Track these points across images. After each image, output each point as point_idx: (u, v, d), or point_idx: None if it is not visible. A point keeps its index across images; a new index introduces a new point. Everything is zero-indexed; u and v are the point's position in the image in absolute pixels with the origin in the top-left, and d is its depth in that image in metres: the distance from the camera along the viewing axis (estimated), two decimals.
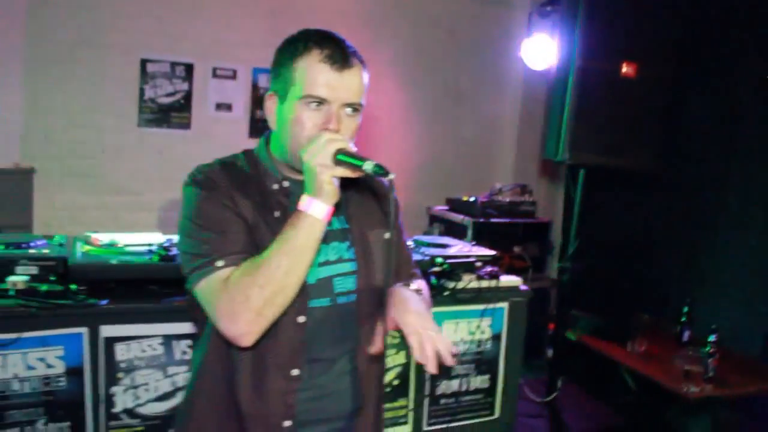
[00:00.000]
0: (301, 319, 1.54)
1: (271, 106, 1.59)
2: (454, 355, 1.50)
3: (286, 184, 1.59)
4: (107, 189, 4.63)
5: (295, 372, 1.55)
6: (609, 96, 3.33)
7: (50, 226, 4.28)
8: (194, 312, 1.60)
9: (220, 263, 1.45)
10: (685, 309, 3.86)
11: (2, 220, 4.07)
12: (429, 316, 1.54)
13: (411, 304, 1.57)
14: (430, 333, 1.47)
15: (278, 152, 1.59)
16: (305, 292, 1.53)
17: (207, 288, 1.46)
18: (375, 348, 1.60)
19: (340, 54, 1.48)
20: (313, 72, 1.48)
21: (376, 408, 1.77)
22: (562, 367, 3.67)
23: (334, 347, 1.59)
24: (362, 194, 1.72)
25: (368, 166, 1.39)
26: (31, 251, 2.45)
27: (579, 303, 4.05)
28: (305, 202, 1.43)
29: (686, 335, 3.85)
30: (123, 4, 4.54)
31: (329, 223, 1.51)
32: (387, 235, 1.71)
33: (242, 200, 1.53)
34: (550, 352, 3.65)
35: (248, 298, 1.40)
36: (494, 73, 5.81)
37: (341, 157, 1.40)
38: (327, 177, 1.41)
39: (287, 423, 1.55)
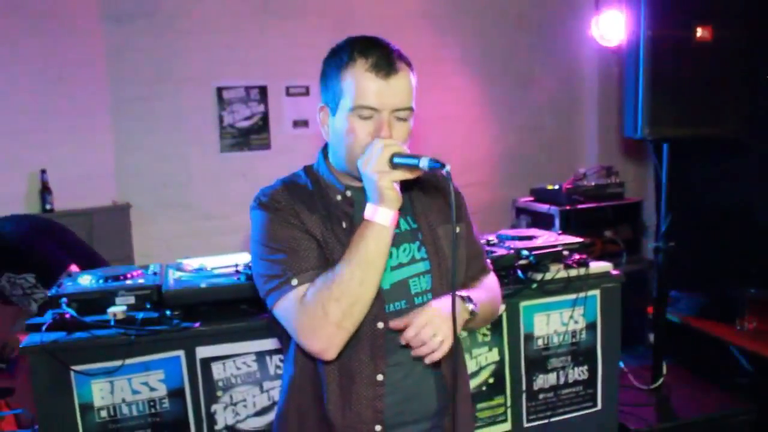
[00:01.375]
0: (380, 325, 1.56)
1: (324, 118, 1.61)
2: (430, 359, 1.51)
3: (348, 193, 1.61)
4: (198, 216, 4.82)
5: (380, 377, 1.57)
6: (684, 64, 3.17)
7: (149, 256, 4.50)
8: (277, 330, 1.64)
9: (294, 282, 1.49)
10: None
11: (106, 254, 4.29)
12: (442, 316, 1.51)
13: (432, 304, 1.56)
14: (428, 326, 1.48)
15: (336, 163, 1.62)
16: (381, 297, 1.55)
17: (285, 307, 1.50)
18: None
19: (384, 61, 1.49)
20: (361, 82, 1.49)
21: (466, 405, 1.77)
22: (667, 352, 3.52)
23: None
24: (427, 192, 1.73)
25: (424, 163, 1.39)
26: (128, 282, 2.58)
27: (679, 283, 3.88)
28: (370, 211, 1.45)
29: None
30: (194, 37, 4.74)
31: (397, 226, 1.52)
32: (457, 229, 1.71)
33: (308, 216, 1.56)
34: (651, 337, 3.49)
35: (326, 313, 1.43)
36: (567, 57, 5.67)
37: (398, 160, 1.41)
38: (387, 182, 1.42)
39: (378, 428, 1.58)
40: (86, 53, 4.49)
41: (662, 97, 3.17)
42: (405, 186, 1.51)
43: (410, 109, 1.54)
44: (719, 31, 3.18)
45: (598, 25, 5.14)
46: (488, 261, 1.91)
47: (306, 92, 5.04)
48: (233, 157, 4.91)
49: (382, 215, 1.43)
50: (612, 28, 4.99)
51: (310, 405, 1.63)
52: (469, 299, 1.62)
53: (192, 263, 2.76)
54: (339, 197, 1.61)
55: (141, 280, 2.60)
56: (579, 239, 3.11)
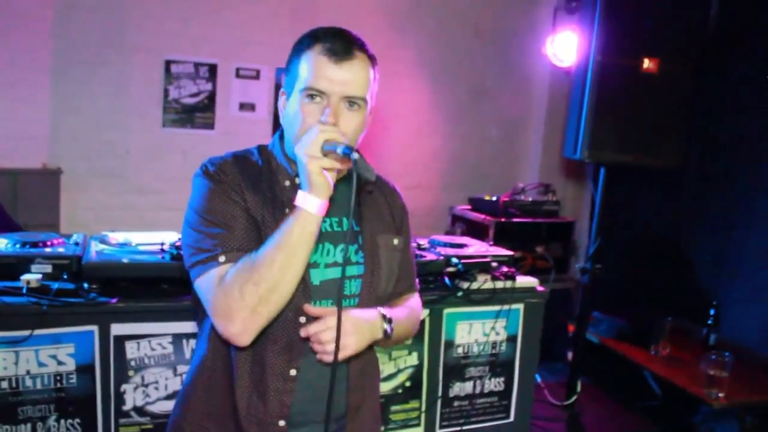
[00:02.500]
0: (303, 319, 1.53)
1: (282, 103, 1.59)
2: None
3: (297, 180, 1.57)
4: (132, 189, 4.69)
5: (293, 372, 1.54)
6: (629, 92, 3.26)
7: (76, 225, 4.35)
8: (197, 306, 1.60)
9: (222, 258, 1.45)
10: (712, 311, 3.77)
11: (30, 219, 4.15)
12: (355, 326, 1.51)
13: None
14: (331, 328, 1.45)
15: (288, 148, 1.58)
16: (308, 292, 1.52)
17: (205, 284, 1.46)
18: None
19: (341, 47, 1.47)
20: (313, 65, 1.47)
21: (372, 411, 1.76)
22: (583, 370, 3.61)
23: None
24: (375, 198, 1.72)
25: (340, 149, 1.36)
26: (47, 250, 2.49)
27: (602, 304, 3.98)
28: (300, 197, 1.42)
29: (712, 339, 3.76)
30: (147, 6, 4.59)
31: (339, 224, 1.51)
32: (396, 241, 1.70)
33: (252, 195, 1.52)
34: (570, 355, 3.58)
35: (243, 296, 1.39)
36: (519, 71, 5.74)
37: (327, 147, 1.38)
38: (315, 167, 1.39)
39: (282, 423, 1.55)
40: (33, 6, 4.31)
41: (604, 122, 3.24)
42: (358, 191, 1.47)
43: (363, 99, 1.51)
44: (665, 65, 3.28)
45: (552, 44, 5.22)
46: (417, 281, 1.89)
47: (256, 76, 4.95)
48: (175, 133, 4.79)
49: (309, 202, 1.40)
50: (565, 49, 5.08)
51: (218, 386, 1.59)
52: (388, 320, 1.60)
53: (117, 237, 2.69)
54: (287, 183, 1.58)
55: (61, 249, 2.51)
56: (509, 252, 3.15)
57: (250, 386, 1.55)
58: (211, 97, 4.86)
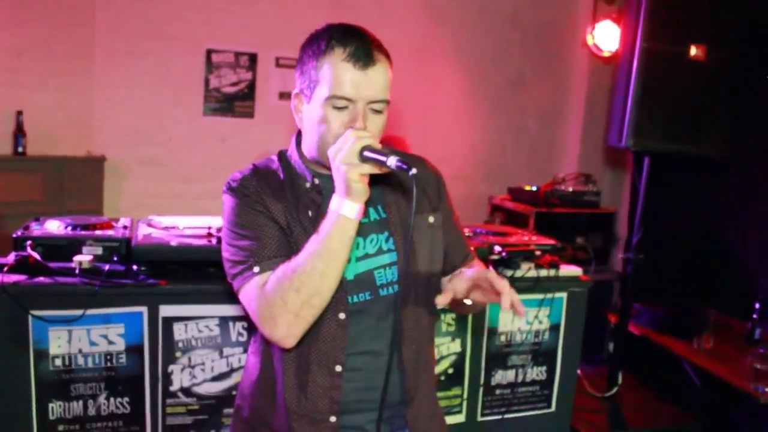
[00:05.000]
0: (342, 315, 1.55)
1: (297, 104, 1.59)
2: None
3: (317, 181, 1.60)
4: (173, 176, 4.76)
5: (338, 368, 1.56)
6: (675, 80, 3.20)
7: (118, 212, 4.43)
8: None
9: (256, 269, 1.49)
10: (757, 305, 3.70)
11: (75, 204, 4.25)
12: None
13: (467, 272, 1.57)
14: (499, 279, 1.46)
15: (308, 151, 1.60)
16: (343, 288, 1.54)
17: (247, 294, 1.50)
18: (440, 300, 1.54)
19: (363, 51, 1.47)
20: (338, 71, 1.46)
21: (429, 398, 1.75)
22: (624, 362, 3.57)
23: (379, 339, 1.59)
24: (401, 181, 1.68)
25: (392, 161, 1.35)
26: (97, 233, 2.53)
27: (643, 296, 3.92)
28: (336, 203, 1.42)
29: (757, 333, 3.69)
30: None
31: (365, 215, 1.52)
32: (431, 219, 1.69)
33: (275, 204, 1.55)
34: (611, 346, 3.54)
35: (285, 303, 1.42)
36: (559, 61, 5.69)
37: (367, 154, 1.38)
38: (355, 175, 1.38)
39: (333, 419, 1.58)
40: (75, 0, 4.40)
41: (649, 110, 3.19)
42: (378, 175, 1.48)
43: (386, 101, 1.51)
44: (712, 52, 3.22)
45: (592, 34, 5.16)
46: (471, 249, 1.88)
47: (295, 65, 4.97)
48: (215, 121, 4.85)
49: (347, 208, 1.40)
50: (606, 39, 5.02)
51: (268, 386, 1.64)
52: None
53: (164, 221, 2.73)
54: (308, 185, 1.60)
55: (110, 232, 2.56)
56: (552, 241, 3.13)
57: (297, 385, 1.58)
58: (251, 86, 4.91)
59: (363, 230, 1.56)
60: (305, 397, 1.57)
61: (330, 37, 1.49)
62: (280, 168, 1.64)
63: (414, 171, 1.35)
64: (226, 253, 1.57)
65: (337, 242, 1.41)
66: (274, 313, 1.43)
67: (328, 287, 1.44)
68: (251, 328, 1.71)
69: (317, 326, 1.51)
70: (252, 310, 1.50)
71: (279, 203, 1.56)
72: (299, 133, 1.65)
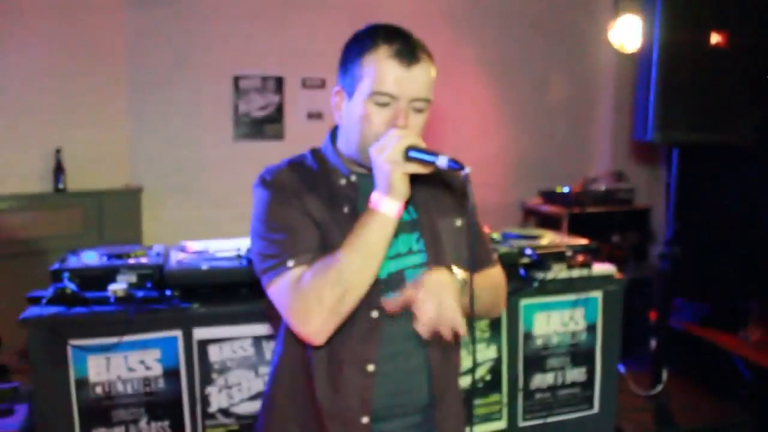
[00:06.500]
0: (374, 314, 1.54)
1: (338, 101, 1.58)
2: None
3: (353, 178, 1.60)
4: (207, 202, 4.85)
5: (370, 367, 1.55)
6: (697, 69, 3.14)
7: (157, 240, 4.52)
8: (270, 311, 1.64)
9: (291, 263, 1.48)
10: None
11: (115, 236, 4.36)
12: (447, 287, 1.50)
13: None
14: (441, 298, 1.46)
15: (346, 148, 1.59)
16: (377, 286, 1.52)
17: (279, 288, 1.48)
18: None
19: (407, 49, 1.48)
20: (382, 68, 1.47)
21: (456, 400, 1.74)
22: (668, 358, 3.49)
23: (408, 341, 1.57)
24: (430, 183, 1.68)
25: (442, 161, 1.36)
26: (131, 261, 2.60)
27: (684, 290, 3.85)
28: (376, 200, 1.43)
29: None
30: (213, 26, 4.77)
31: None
32: (458, 223, 1.69)
33: (310, 199, 1.55)
34: (653, 343, 3.48)
35: (321, 297, 1.42)
36: (583, 61, 5.64)
37: (414, 154, 1.39)
38: (398, 174, 1.40)
39: (365, 419, 1.56)
40: (107, 35, 4.53)
41: (673, 101, 3.14)
42: (411, 177, 1.48)
43: (428, 100, 1.52)
44: (734, 38, 3.15)
45: (615, 30, 5.11)
46: (495, 255, 1.86)
47: (322, 85, 5.05)
48: (246, 145, 4.94)
49: (387, 205, 1.42)
50: (629, 34, 4.96)
51: (298, 386, 1.62)
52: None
53: (195, 245, 2.79)
54: (343, 181, 1.60)
55: (143, 260, 2.63)
56: (583, 241, 3.10)
57: (329, 384, 1.56)
58: (279, 108, 4.98)
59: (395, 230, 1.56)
60: (337, 396, 1.55)
61: (375, 36, 1.51)
62: (314, 164, 1.64)
63: (467, 170, 1.37)
64: (257, 246, 1.55)
65: (375, 239, 1.42)
66: (308, 307, 1.43)
67: (364, 283, 1.44)
68: (276, 325, 1.69)
69: (349, 324, 1.50)
70: (283, 305, 1.49)
71: (315, 199, 1.55)
72: (334, 130, 1.66)
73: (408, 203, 1.62)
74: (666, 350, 3.47)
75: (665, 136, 3.15)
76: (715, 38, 3.09)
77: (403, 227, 1.60)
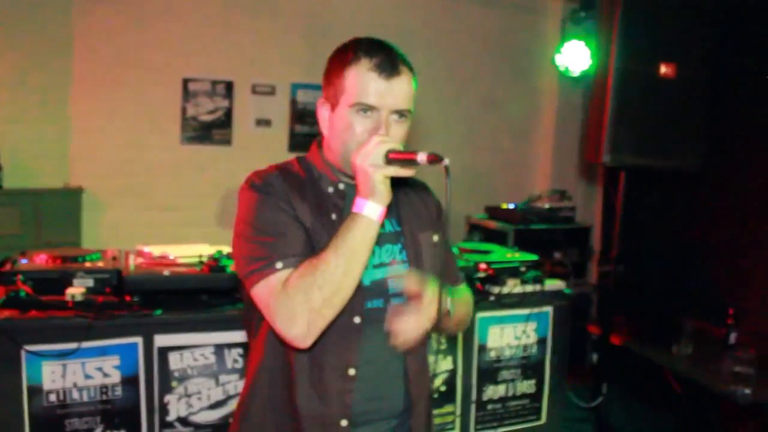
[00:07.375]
0: (357, 319, 1.57)
1: (323, 113, 1.63)
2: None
3: (341, 186, 1.63)
4: (151, 205, 4.74)
5: (351, 372, 1.58)
6: (648, 97, 3.30)
7: (97, 243, 4.38)
8: (251, 315, 1.64)
9: (279, 265, 1.49)
10: (731, 311, 3.80)
11: (53, 237, 4.21)
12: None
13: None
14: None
15: (331, 157, 1.63)
16: (361, 293, 1.56)
17: (265, 290, 1.49)
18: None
19: (388, 62, 1.53)
20: (363, 80, 1.52)
21: (427, 407, 1.79)
22: (607, 372, 3.64)
23: (388, 348, 1.60)
24: (411, 200, 1.76)
25: (421, 156, 1.43)
26: (87, 264, 2.53)
27: (622, 307, 4.01)
28: (359, 204, 1.46)
29: (732, 337, 3.78)
30: (164, 25, 4.67)
31: (382, 226, 1.55)
32: (435, 238, 1.75)
33: (299, 204, 1.58)
34: (594, 357, 3.61)
35: (308, 299, 1.43)
36: (529, 81, 5.81)
37: (393, 156, 1.44)
38: (379, 177, 1.44)
39: (344, 422, 1.58)
40: (54, 31, 4.39)
41: (625, 127, 3.28)
42: (392, 190, 1.53)
43: (408, 111, 1.58)
44: (682, 70, 3.33)
45: (562, 54, 5.30)
46: (460, 273, 1.94)
47: (272, 92, 5.02)
48: (193, 149, 4.85)
49: (370, 209, 1.46)
50: (575, 58, 5.15)
51: (278, 392, 1.62)
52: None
53: (155, 251, 2.73)
54: (331, 189, 1.64)
55: (100, 264, 2.56)
56: (535, 257, 3.20)
57: (310, 388, 1.58)
58: (228, 113, 4.93)
59: (379, 240, 1.58)
60: (317, 399, 1.57)
61: (357, 49, 1.56)
62: (301, 171, 1.66)
63: (447, 161, 1.44)
64: (244, 250, 1.56)
65: (359, 242, 1.46)
66: (295, 309, 1.44)
67: (349, 286, 1.47)
68: (255, 331, 1.68)
69: (333, 329, 1.52)
70: (268, 306, 1.49)
71: (303, 203, 1.58)
72: (320, 140, 1.69)
73: (392, 216, 1.67)
74: (607, 364, 3.61)
75: (615, 158, 3.29)
76: (664, 69, 3.26)
77: (387, 238, 1.66)
